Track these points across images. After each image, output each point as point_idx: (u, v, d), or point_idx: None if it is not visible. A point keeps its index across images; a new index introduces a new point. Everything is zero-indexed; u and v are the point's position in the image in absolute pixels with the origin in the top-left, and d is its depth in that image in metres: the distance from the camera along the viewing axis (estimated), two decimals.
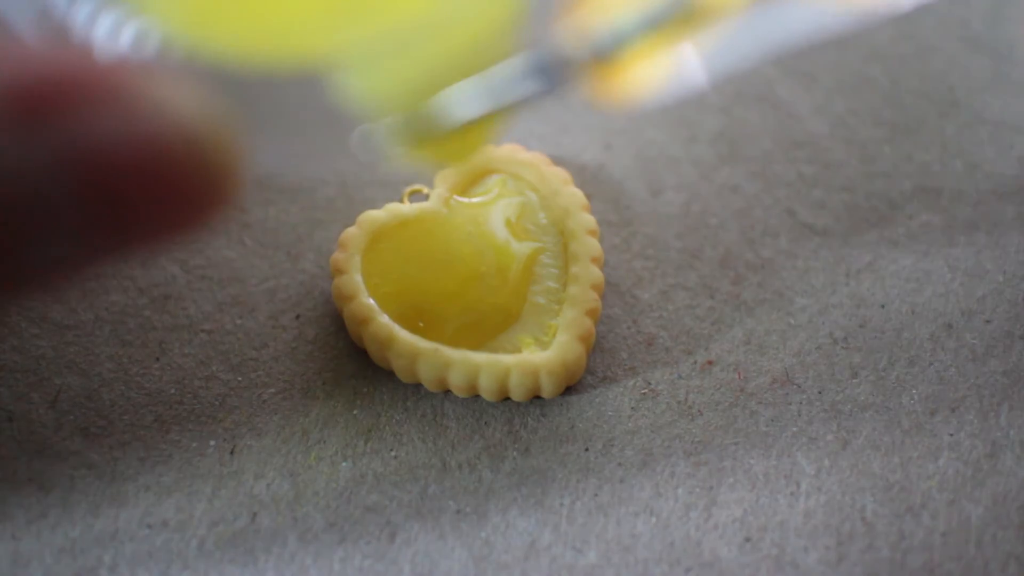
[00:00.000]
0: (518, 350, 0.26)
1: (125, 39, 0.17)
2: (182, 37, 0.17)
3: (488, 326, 0.27)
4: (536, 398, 0.27)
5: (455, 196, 0.29)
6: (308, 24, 0.18)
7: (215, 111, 0.16)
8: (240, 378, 0.27)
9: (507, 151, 0.29)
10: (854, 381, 0.27)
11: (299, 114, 0.18)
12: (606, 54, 0.16)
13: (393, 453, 0.26)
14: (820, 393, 0.27)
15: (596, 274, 0.27)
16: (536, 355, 0.26)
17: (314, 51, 0.17)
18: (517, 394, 0.26)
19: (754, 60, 0.17)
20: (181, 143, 0.16)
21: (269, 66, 0.17)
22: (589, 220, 0.28)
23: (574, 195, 0.28)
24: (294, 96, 0.18)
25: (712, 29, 0.16)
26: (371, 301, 0.27)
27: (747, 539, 0.25)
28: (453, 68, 0.17)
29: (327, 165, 0.19)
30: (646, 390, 0.27)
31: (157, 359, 0.27)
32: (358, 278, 0.27)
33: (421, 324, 0.27)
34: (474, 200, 0.29)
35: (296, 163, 0.19)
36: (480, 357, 0.26)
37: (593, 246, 0.27)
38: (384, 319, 0.26)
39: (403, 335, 0.26)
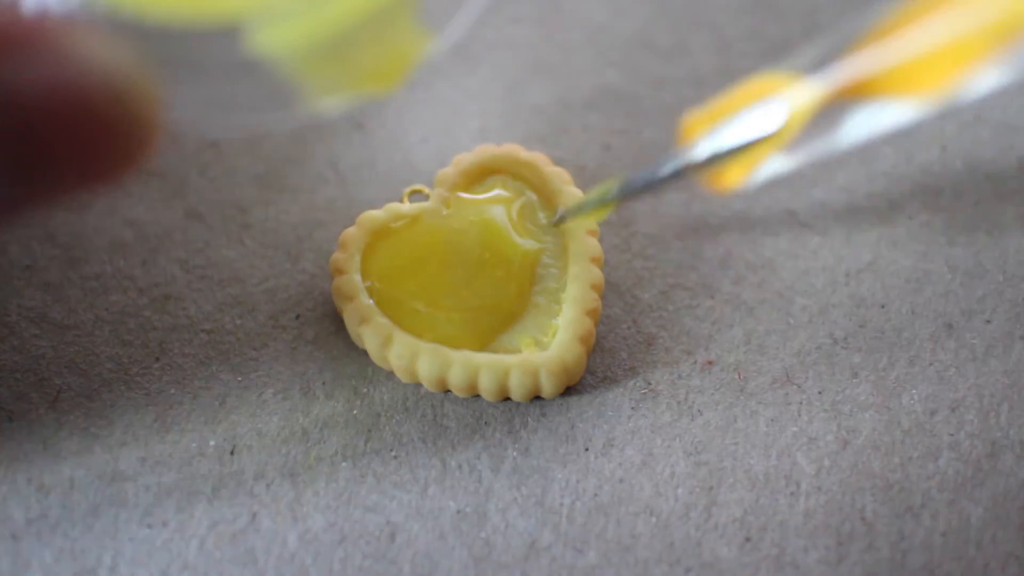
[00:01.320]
0: (518, 350, 0.26)
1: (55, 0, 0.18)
2: None
3: (489, 325, 0.27)
4: (536, 398, 0.27)
5: (457, 192, 0.28)
6: None
7: (135, 63, 0.17)
8: (240, 378, 0.27)
9: (507, 151, 0.29)
10: (854, 381, 0.27)
11: (215, 66, 0.19)
12: (716, 162, 0.22)
13: (393, 453, 0.26)
14: (820, 393, 0.27)
15: (596, 274, 0.27)
16: (536, 355, 0.26)
17: (228, 7, 0.19)
18: (517, 394, 0.26)
19: (830, 151, 0.21)
20: (102, 92, 0.16)
21: (187, 20, 0.18)
22: (589, 221, 0.28)
23: (574, 195, 0.28)
24: (211, 48, 0.19)
25: (791, 142, 0.21)
26: (371, 301, 0.27)
27: (747, 539, 0.25)
28: (360, 23, 0.19)
29: (242, 117, 0.21)
30: (646, 390, 0.27)
31: (157, 359, 0.27)
32: (358, 278, 0.27)
33: (421, 324, 0.27)
34: (477, 197, 0.29)
35: (212, 114, 0.20)
36: (480, 357, 0.26)
37: (593, 246, 0.28)
38: (384, 319, 0.26)
39: (403, 335, 0.26)
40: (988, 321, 0.28)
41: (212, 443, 0.26)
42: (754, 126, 0.21)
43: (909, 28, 0.20)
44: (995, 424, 0.26)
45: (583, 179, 0.30)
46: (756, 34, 0.33)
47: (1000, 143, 0.31)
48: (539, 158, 0.29)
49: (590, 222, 0.28)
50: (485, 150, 0.29)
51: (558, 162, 0.30)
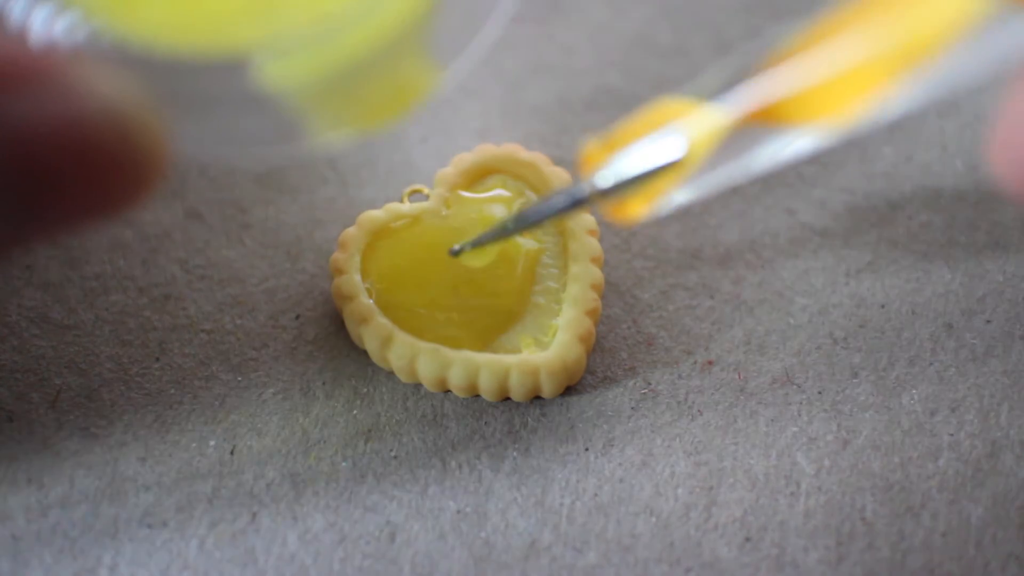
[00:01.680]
0: (518, 350, 0.26)
1: (58, 29, 0.18)
2: (112, 27, 0.18)
3: (489, 326, 0.27)
4: (536, 398, 0.27)
5: (458, 190, 0.28)
6: (230, 16, 0.19)
7: (142, 96, 0.17)
8: (240, 378, 0.27)
9: (508, 151, 0.29)
10: (854, 381, 0.27)
11: (221, 99, 0.19)
12: (620, 191, 0.21)
13: (393, 453, 0.26)
14: (820, 393, 0.27)
15: (596, 274, 0.27)
16: (536, 355, 0.26)
17: (236, 41, 0.19)
18: (517, 394, 0.26)
19: (736, 180, 0.21)
20: (108, 126, 0.16)
21: (194, 53, 0.19)
22: (589, 220, 0.28)
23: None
24: (218, 82, 0.19)
25: (695, 171, 0.20)
26: (370, 301, 0.27)
27: (747, 539, 0.25)
28: (368, 56, 0.19)
29: (249, 150, 0.21)
30: (646, 390, 0.27)
31: (157, 359, 0.27)
32: (358, 278, 0.27)
33: (421, 324, 0.26)
34: (477, 196, 0.29)
35: (219, 148, 0.20)
36: (480, 357, 0.26)
37: (593, 246, 0.27)
38: (383, 319, 0.26)
39: (403, 335, 0.26)
40: (988, 321, 0.28)
41: (212, 443, 0.26)
42: (655, 156, 0.20)
43: (812, 53, 0.19)
44: (995, 424, 0.26)
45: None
46: (756, 34, 0.33)
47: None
48: (539, 158, 0.29)
49: (590, 223, 0.28)
50: (485, 150, 0.29)
51: (558, 162, 0.30)
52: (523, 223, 0.24)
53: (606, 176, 0.21)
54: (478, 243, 0.26)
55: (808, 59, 0.19)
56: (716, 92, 0.20)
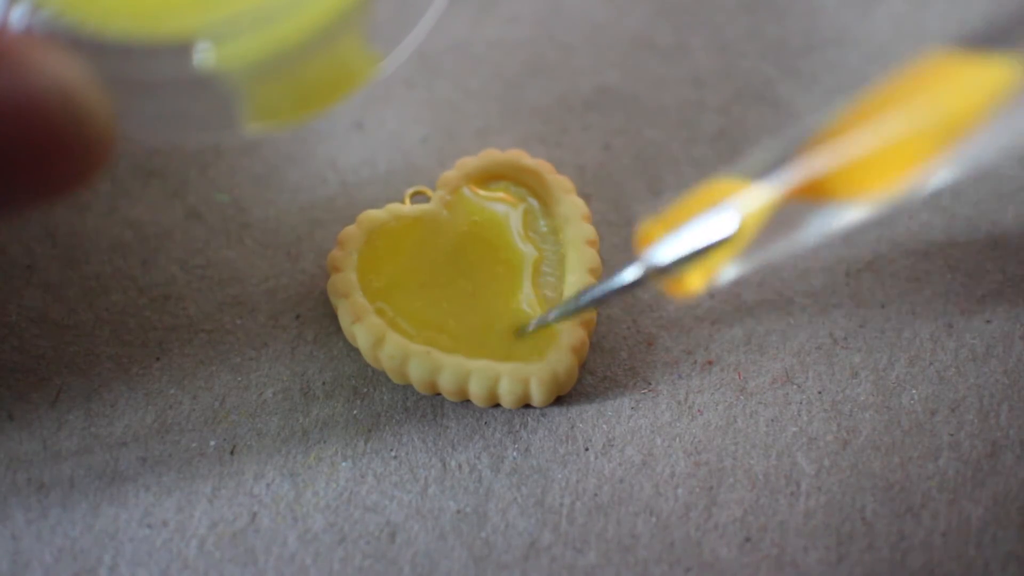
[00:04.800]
0: (511, 357, 0.26)
1: (14, 14, 0.19)
2: (62, 11, 0.19)
3: (485, 330, 0.27)
4: (527, 405, 0.27)
5: (463, 188, 0.28)
6: (176, 2, 0.20)
7: (90, 78, 0.17)
8: (240, 378, 0.27)
9: (511, 157, 0.29)
10: (854, 381, 0.27)
11: (166, 83, 0.20)
12: (677, 268, 0.22)
13: (393, 453, 0.26)
14: (820, 393, 0.27)
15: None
16: (528, 364, 0.26)
17: (181, 26, 0.20)
18: (507, 401, 0.26)
19: (785, 253, 0.22)
20: (58, 106, 0.17)
21: (143, 37, 0.19)
22: (588, 230, 0.28)
23: (575, 204, 0.28)
24: (162, 66, 0.20)
25: (747, 246, 0.21)
26: (365, 300, 0.26)
27: (747, 539, 0.25)
28: (307, 41, 0.20)
29: (192, 132, 0.21)
30: (646, 390, 0.27)
31: (157, 359, 0.27)
32: (354, 276, 0.27)
33: (417, 325, 0.26)
34: (479, 193, 0.29)
35: (163, 129, 0.21)
36: (471, 363, 0.26)
37: (591, 257, 0.27)
38: (376, 319, 0.26)
39: (395, 336, 0.26)
40: (988, 321, 0.28)
41: (212, 443, 0.26)
42: (709, 232, 0.21)
43: (857, 130, 0.20)
44: (995, 424, 0.26)
45: (583, 179, 0.30)
46: (756, 34, 0.33)
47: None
48: (543, 165, 0.29)
49: (589, 233, 0.28)
50: (489, 155, 0.29)
51: (558, 162, 0.30)
52: (587, 302, 0.25)
53: (663, 254, 0.22)
54: (543, 323, 0.26)
55: (851, 137, 0.20)
56: (764, 170, 0.21)
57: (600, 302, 0.25)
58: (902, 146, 0.19)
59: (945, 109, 0.19)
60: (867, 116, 0.20)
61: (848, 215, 0.21)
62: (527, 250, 0.28)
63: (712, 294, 0.28)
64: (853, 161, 0.20)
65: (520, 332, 0.27)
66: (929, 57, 0.20)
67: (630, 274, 0.23)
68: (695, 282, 0.22)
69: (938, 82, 0.19)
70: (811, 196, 0.20)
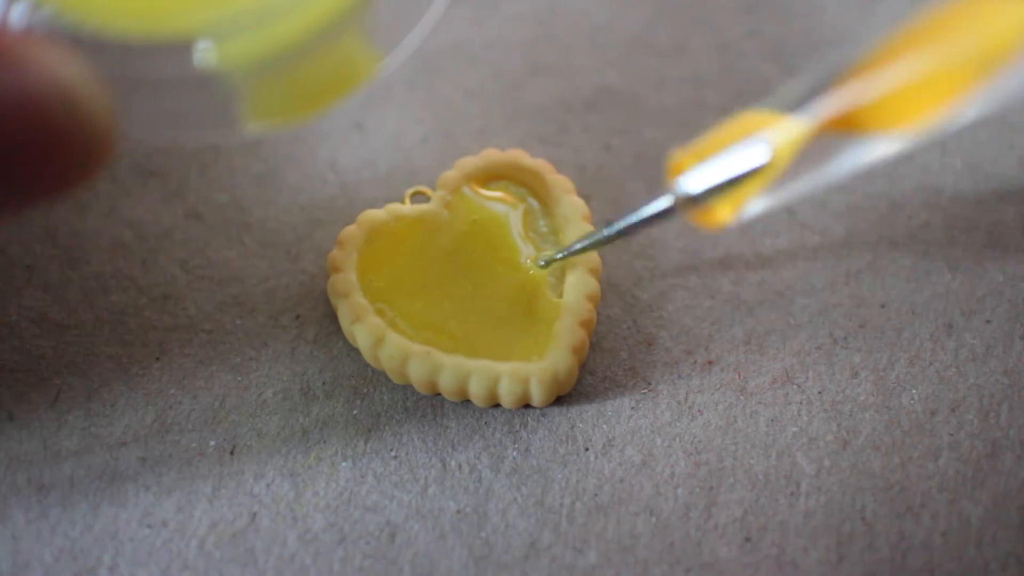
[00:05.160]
0: (511, 357, 0.26)
1: (15, 13, 0.19)
2: (63, 10, 0.19)
3: (485, 330, 0.27)
4: (527, 405, 0.27)
5: (464, 187, 0.28)
6: (180, 3, 0.20)
7: (91, 76, 0.17)
8: (240, 378, 0.27)
9: (512, 157, 0.29)
10: (854, 381, 0.27)
11: (167, 81, 0.20)
12: (707, 198, 0.22)
13: (393, 453, 0.26)
14: (820, 393, 0.27)
15: (593, 285, 0.27)
16: (528, 364, 0.26)
17: (181, 24, 0.20)
18: (507, 401, 0.26)
19: (816, 186, 0.22)
20: (58, 104, 0.17)
21: (143, 35, 0.19)
22: (589, 230, 0.28)
23: (575, 204, 0.28)
24: (162, 65, 0.20)
25: (778, 179, 0.21)
26: (365, 300, 0.26)
27: (747, 539, 0.25)
28: (307, 40, 0.20)
29: (192, 131, 0.21)
30: (646, 390, 0.27)
31: (157, 359, 0.27)
32: (354, 276, 0.27)
33: (417, 325, 0.26)
34: (480, 192, 0.29)
35: (163, 128, 0.22)
36: (471, 363, 0.26)
37: (591, 257, 0.27)
38: (376, 319, 0.26)
39: (395, 336, 0.26)
40: (988, 321, 0.28)
41: (212, 443, 0.26)
42: (741, 162, 0.21)
43: (890, 63, 0.20)
44: (995, 424, 0.26)
45: (583, 179, 0.30)
46: (756, 34, 0.33)
47: (1000, 143, 0.31)
48: (543, 165, 0.29)
49: (589, 231, 0.28)
50: (489, 155, 0.29)
51: (558, 162, 0.30)
52: (616, 231, 0.25)
53: (694, 183, 0.22)
54: (570, 253, 0.26)
55: (885, 70, 0.20)
56: (797, 103, 0.21)
57: (629, 232, 0.25)
58: (936, 79, 0.19)
59: (979, 43, 0.19)
60: (901, 50, 0.20)
61: (881, 148, 0.21)
62: (527, 250, 0.28)
63: (712, 294, 0.28)
64: (887, 94, 0.20)
65: (546, 261, 0.27)
66: None
67: (660, 203, 0.23)
68: (724, 213, 0.22)
69: (972, 17, 0.19)
70: (844, 128, 0.20)
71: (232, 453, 0.26)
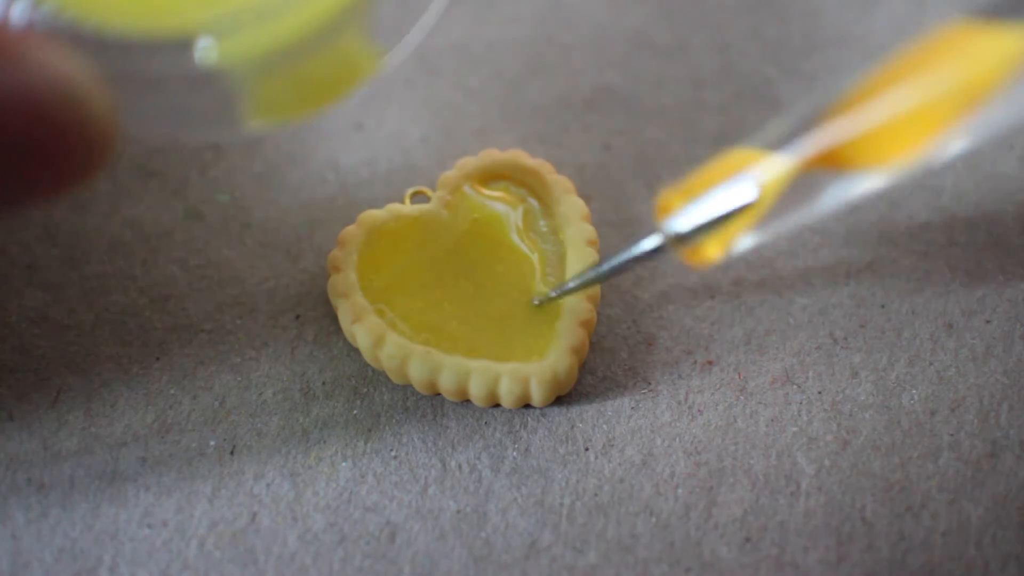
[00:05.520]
0: (511, 357, 0.26)
1: (15, 10, 0.19)
2: (64, 8, 0.19)
3: (485, 330, 0.27)
4: (527, 405, 0.27)
5: (464, 185, 0.28)
6: (181, 0, 0.20)
7: (93, 73, 0.17)
8: (240, 378, 0.27)
9: (512, 157, 0.29)
10: (854, 381, 0.27)
11: (168, 79, 0.20)
12: (696, 237, 0.22)
13: (393, 453, 0.26)
14: (820, 393, 0.27)
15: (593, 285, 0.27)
16: (528, 364, 0.26)
17: (182, 22, 0.20)
18: (507, 401, 0.26)
19: (802, 222, 0.22)
20: (59, 102, 0.17)
21: (144, 33, 0.19)
22: (588, 230, 0.28)
23: (575, 204, 0.28)
24: (164, 62, 0.20)
25: (765, 216, 0.21)
26: (365, 300, 0.26)
27: (747, 539, 0.25)
28: (308, 37, 0.20)
29: (193, 129, 0.21)
30: (646, 390, 0.27)
31: (157, 359, 0.27)
32: (354, 276, 0.27)
33: (416, 325, 0.26)
34: (480, 192, 0.29)
35: (164, 126, 0.22)
36: (472, 362, 0.26)
37: (591, 256, 0.27)
38: (376, 319, 0.26)
39: (395, 336, 0.26)
40: (988, 321, 0.28)
41: (212, 443, 0.26)
42: (728, 201, 0.22)
43: (875, 99, 0.20)
44: (995, 424, 0.26)
45: (583, 179, 0.30)
46: (756, 34, 0.33)
47: (1000, 143, 0.31)
48: (543, 165, 0.29)
49: (589, 233, 0.28)
50: (489, 155, 0.29)
51: (558, 162, 0.30)
52: (607, 272, 0.25)
53: (683, 223, 0.22)
54: (564, 293, 0.27)
55: (868, 106, 0.20)
56: (782, 140, 0.21)
57: (619, 271, 0.25)
58: (919, 114, 0.19)
59: (962, 77, 0.19)
60: (885, 85, 0.20)
61: (866, 184, 0.21)
62: (528, 250, 0.28)
63: (712, 295, 0.28)
64: (871, 130, 0.20)
65: (540, 301, 0.27)
66: (946, 26, 0.20)
67: (650, 242, 0.23)
68: (713, 251, 0.23)
69: (955, 50, 0.19)
70: (829, 165, 0.21)
71: (232, 453, 0.26)
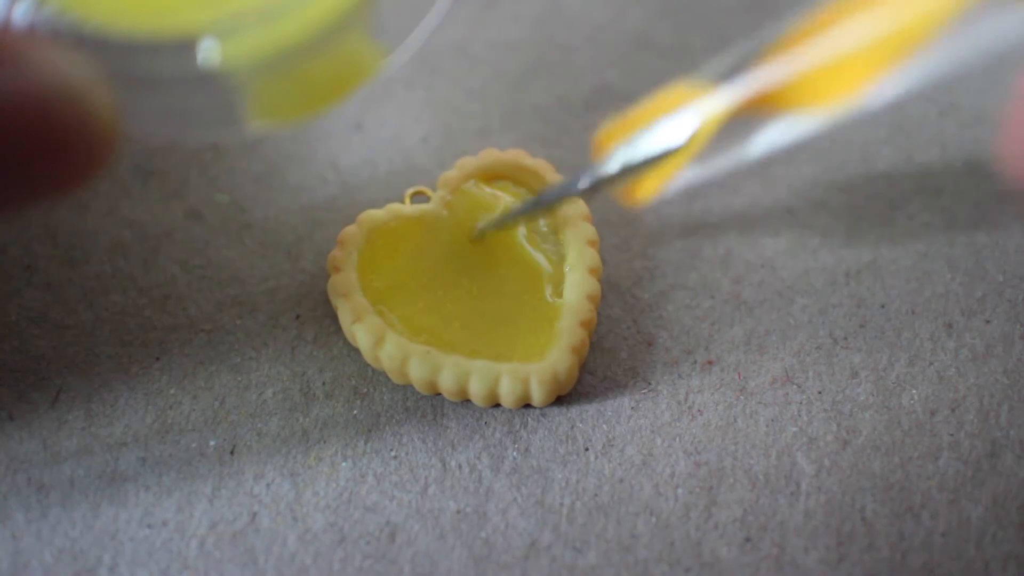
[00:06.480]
0: (512, 356, 0.26)
1: (17, 11, 0.19)
2: (66, 9, 0.19)
3: (485, 329, 0.27)
4: (528, 404, 0.27)
5: (470, 181, 0.28)
6: (183, 1, 0.20)
7: (95, 74, 0.17)
8: (240, 378, 0.27)
9: (512, 156, 0.29)
10: (854, 381, 0.27)
11: (170, 80, 0.20)
12: (629, 175, 0.22)
13: (393, 453, 0.26)
14: (820, 393, 0.27)
15: (593, 285, 0.27)
16: (528, 363, 0.26)
17: (185, 22, 0.20)
18: (507, 401, 0.26)
19: (736, 164, 0.22)
20: (62, 102, 0.17)
21: (146, 34, 0.19)
22: (589, 230, 0.28)
23: (575, 204, 0.28)
24: (166, 63, 0.20)
25: (699, 155, 0.21)
26: (365, 300, 0.26)
27: (747, 539, 0.25)
28: (312, 37, 0.20)
29: (195, 129, 0.21)
30: (646, 390, 0.27)
31: (157, 359, 0.27)
32: (354, 276, 0.27)
33: (416, 324, 0.26)
34: (481, 191, 0.29)
35: (167, 126, 0.22)
36: (472, 362, 0.26)
37: (591, 257, 0.27)
38: (376, 318, 0.26)
39: (395, 336, 0.26)
40: (988, 321, 0.28)
41: (212, 443, 0.26)
42: (665, 138, 0.22)
43: (815, 39, 0.20)
44: (995, 424, 0.26)
45: None
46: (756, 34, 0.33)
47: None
48: (542, 165, 0.29)
49: (589, 233, 0.28)
50: (489, 155, 0.29)
51: (558, 162, 0.30)
52: (540, 204, 0.25)
53: (616, 160, 0.22)
54: (496, 225, 0.27)
55: (806, 48, 0.20)
56: (719, 80, 0.21)
57: (551, 205, 0.25)
58: (856, 57, 0.19)
59: (899, 20, 0.19)
60: (822, 27, 0.20)
61: (802, 126, 0.21)
62: (528, 250, 0.28)
63: (712, 294, 0.28)
64: (807, 72, 0.20)
65: (475, 233, 0.27)
66: None
67: (583, 180, 0.23)
68: (647, 190, 0.23)
69: None
70: (766, 106, 0.20)
71: (232, 453, 0.26)
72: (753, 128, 0.21)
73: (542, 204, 0.26)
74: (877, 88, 0.19)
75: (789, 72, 0.20)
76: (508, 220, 0.27)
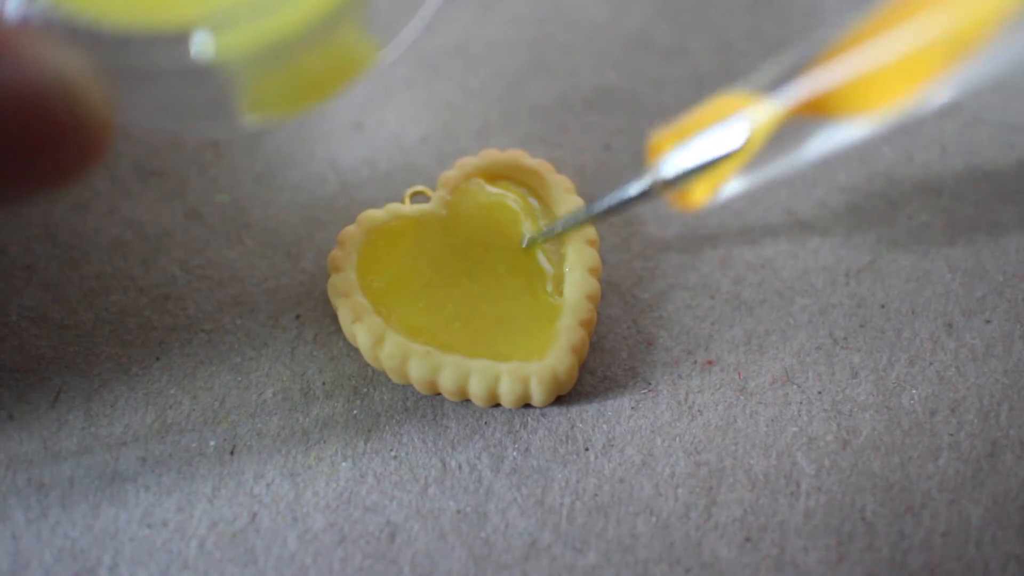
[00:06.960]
0: (511, 356, 0.26)
1: (10, 5, 0.19)
2: (63, 3, 0.19)
3: (484, 329, 0.27)
4: (527, 404, 0.27)
5: (473, 179, 0.28)
6: None
7: (89, 68, 0.17)
8: (240, 378, 0.27)
9: (512, 156, 0.29)
10: (854, 381, 0.27)
11: (165, 73, 0.20)
12: (683, 181, 0.23)
13: (393, 453, 0.26)
14: (820, 393, 0.27)
15: (593, 285, 0.27)
16: (528, 363, 0.26)
17: (179, 15, 0.19)
18: (507, 400, 0.26)
19: (790, 169, 0.22)
20: (56, 96, 0.17)
21: (141, 27, 0.19)
22: (589, 230, 0.28)
23: (575, 203, 0.28)
24: (160, 56, 0.19)
25: (753, 161, 0.22)
26: (365, 300, 0.26)
27: (747, 539, 0.25)
28: (306, 30, 0.20)
29: (190, 123, 0.21)
30: (646, 390, 0.27)
31: (157, 359, 0.27)
32: (354, 276, 0.27)
33: (416, 324, 0.26)
34: (481, 190, 0.29)
35: (161, 120, 0.22)
36: (472, 362, 0.26)
37: (591, 256, 0.27)
38: (376, 318, 0.26)
39: (395, 336, 0.26)
40: (988, 321, 0.28)
41: (212, 443, 0.26)
42: (717, 145, 0.22)
43: (864, 46, 0.20)
44: (995, 424, 0.26)
45: (583, 179, 0.30)
46: (756, 34, 0.33)
47: (1000, 143, 0.31)
48: (543, 165, 0.29)
49: (589, 233, 0.28)
50: (489, 155, 0.29)
51: (558, 162, 0.30)
52: (595, 212, 0.25)
53: (671, 167, 0.22)
54: (550, 234, 0.27)
55: (858, 52, 0.20)
56: (772, 85, 0.21)
57: (608, 214, 0.25)
58: (908, 62, 0.19)
59: (952, 24, 0.19)
60: (875, 32, 0.20)
61: (852, 132, 0.21)
62: (526, 248, 0.28)
63: (712, 294, 0.28)
64: (859, 77, 0.20)
65: (530, 240, 0.27)
66: None
67: (637, 186, 0.24)
68: (700, 195, 0.23)
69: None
70: (817, 112, 0.21)
71: (232, 453, 0.26)
72: (805, 134, 0.21)
73: (594, 213, 0.25)
74: (926, 94, 0.20)
75: (840, 78, 0.20)
76: (559, 229, 0.27)
